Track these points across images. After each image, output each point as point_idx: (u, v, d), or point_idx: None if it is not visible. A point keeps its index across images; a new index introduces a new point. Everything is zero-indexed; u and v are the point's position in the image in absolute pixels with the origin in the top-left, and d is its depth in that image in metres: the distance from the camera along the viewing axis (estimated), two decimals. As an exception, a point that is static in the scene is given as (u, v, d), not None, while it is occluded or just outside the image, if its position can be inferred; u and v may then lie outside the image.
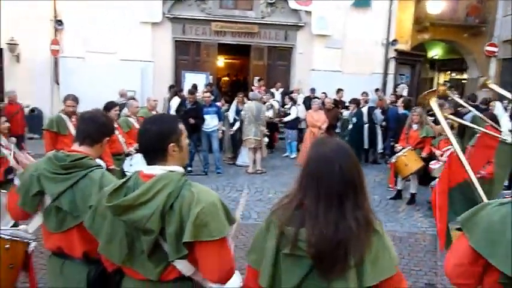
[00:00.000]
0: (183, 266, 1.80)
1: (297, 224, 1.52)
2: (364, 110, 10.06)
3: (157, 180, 1.75)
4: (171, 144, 1.83)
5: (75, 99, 5.63)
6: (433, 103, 3.52)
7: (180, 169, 1.87)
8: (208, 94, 9.01)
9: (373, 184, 8.30)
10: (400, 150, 6.88)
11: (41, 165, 2.24)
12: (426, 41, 15.85)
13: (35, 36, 12.67)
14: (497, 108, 4.33)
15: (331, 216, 1.51)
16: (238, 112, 9.85)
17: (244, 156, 9.87)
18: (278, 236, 1.56)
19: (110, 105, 5.82)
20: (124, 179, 1.87)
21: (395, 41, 14.06)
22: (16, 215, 2.35)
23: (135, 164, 4.31)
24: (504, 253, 1.46)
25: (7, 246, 2.64)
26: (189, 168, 8.84)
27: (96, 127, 2.31)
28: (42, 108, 12.73)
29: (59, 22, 12.94)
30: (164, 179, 1.75)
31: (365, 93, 11.22)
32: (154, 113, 7.75)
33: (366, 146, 10.12)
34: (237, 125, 9.69)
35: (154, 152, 1.84)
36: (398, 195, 7.33)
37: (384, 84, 14.00)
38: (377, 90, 12.33)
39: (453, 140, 3.40)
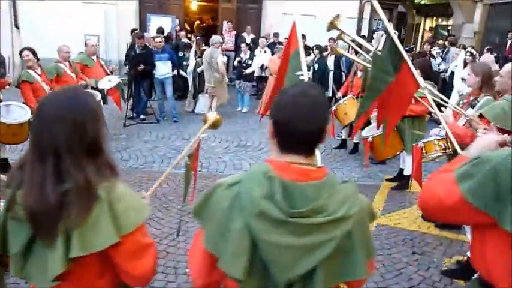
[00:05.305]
0: None
1: (15, 185, 1.40)
2: (331, 57, 9.56)
3: None
4: None
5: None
6: (339, 26, 3.40)
7: None
8: (159, 39, 8.61)
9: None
10: (341, 98, 6.67)
11: None
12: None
13: (-9, -25, 12.05)
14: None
15: (47, 176, 1.35)
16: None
17: (202, 104, 9.65)
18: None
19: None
20: None
21: (372, -18, 13.35)
22: None
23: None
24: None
25: None
26: (141, 116, 8.68)
27: None
28: (3, 54, 12.30)
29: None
30: None
31: (332, 39, 10.77)
32: (94, 58, 7.44)
33: (329, 94, 9.80)
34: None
35: None
36: (343, 145, 7.19)
37: (359, 30, 13.45)
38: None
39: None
